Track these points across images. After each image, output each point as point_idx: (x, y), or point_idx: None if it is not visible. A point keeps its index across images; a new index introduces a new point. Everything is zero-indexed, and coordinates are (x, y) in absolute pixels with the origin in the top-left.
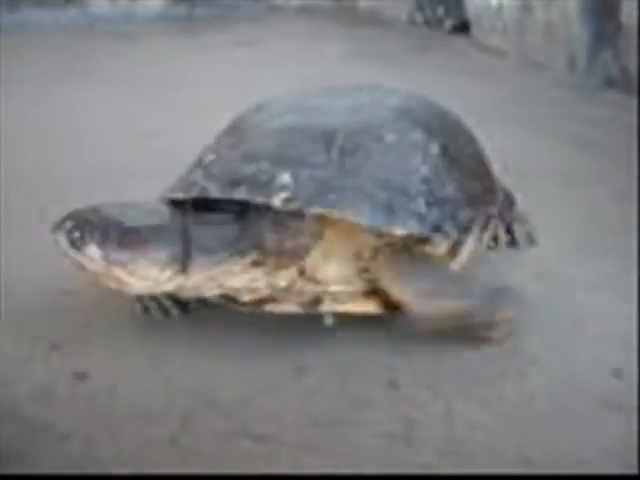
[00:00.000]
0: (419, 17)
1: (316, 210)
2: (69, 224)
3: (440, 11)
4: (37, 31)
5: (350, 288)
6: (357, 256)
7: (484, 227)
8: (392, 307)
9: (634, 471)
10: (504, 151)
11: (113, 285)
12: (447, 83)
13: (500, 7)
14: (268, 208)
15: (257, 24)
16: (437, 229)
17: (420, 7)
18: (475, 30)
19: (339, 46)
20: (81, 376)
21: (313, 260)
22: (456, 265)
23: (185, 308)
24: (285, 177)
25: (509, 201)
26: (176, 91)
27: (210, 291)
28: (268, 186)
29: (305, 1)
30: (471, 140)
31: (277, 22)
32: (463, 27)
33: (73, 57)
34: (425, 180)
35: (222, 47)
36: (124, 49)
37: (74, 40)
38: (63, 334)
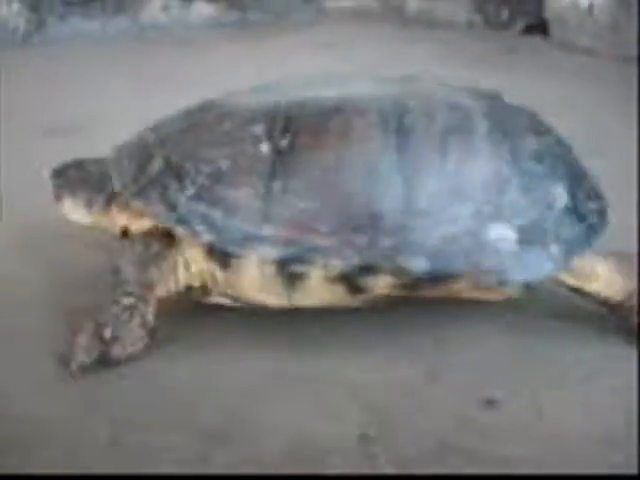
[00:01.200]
0: (478, 19)
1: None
2: (52, 172)
3: (505, 13)
4: (87, 41)
5: None
6: None
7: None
8: None
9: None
10: None
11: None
12: (553, 85)
13: (591, 5)
14: None
15: (312, 28)
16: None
17: (479, 9)
18: (556, 30)
19: (419, 49)
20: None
21: None
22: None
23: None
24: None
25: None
26: None
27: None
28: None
29: (353, 3)
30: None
31: (332, 25)
32: (540, 27)
33: (133, 65)
34: (213, 175)
35: (302, 50)
36: (191, 57)
37: (128, 49)
38: None
